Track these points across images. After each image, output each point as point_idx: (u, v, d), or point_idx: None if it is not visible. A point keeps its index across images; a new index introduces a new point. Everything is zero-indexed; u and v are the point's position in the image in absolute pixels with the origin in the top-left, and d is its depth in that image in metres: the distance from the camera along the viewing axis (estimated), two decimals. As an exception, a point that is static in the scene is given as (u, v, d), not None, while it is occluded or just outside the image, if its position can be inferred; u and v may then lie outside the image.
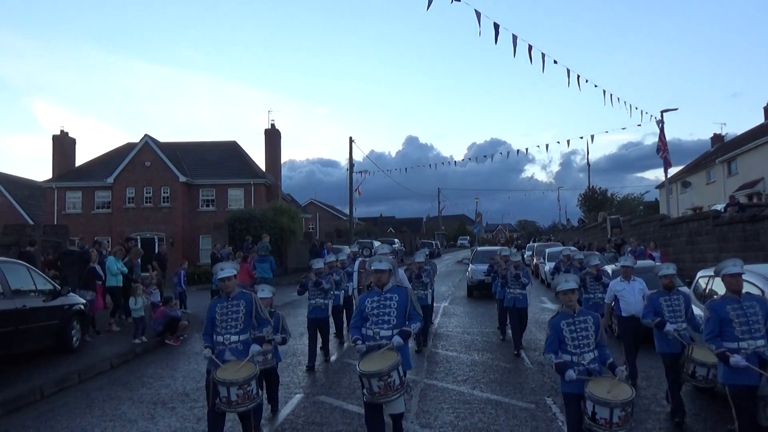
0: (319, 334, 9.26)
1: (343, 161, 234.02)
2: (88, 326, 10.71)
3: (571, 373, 4.51)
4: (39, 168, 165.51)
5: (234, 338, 5.38)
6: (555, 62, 12.39)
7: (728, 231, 13.94)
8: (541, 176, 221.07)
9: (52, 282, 9.90)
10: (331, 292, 9.68)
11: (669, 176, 44.30)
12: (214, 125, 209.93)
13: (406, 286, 5.89)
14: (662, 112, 20.04)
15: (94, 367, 9.06)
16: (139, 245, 19.64)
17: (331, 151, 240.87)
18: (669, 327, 6.14)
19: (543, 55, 11.71)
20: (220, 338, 5.40)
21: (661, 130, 19.10)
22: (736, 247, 13.45)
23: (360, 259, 11.68)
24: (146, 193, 32.34)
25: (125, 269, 11.96)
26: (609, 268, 11.07)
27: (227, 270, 5.49)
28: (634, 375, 7.62)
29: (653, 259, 14.99)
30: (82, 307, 10.26)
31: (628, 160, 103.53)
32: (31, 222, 36.72)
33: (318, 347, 9.27)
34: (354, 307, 8.71)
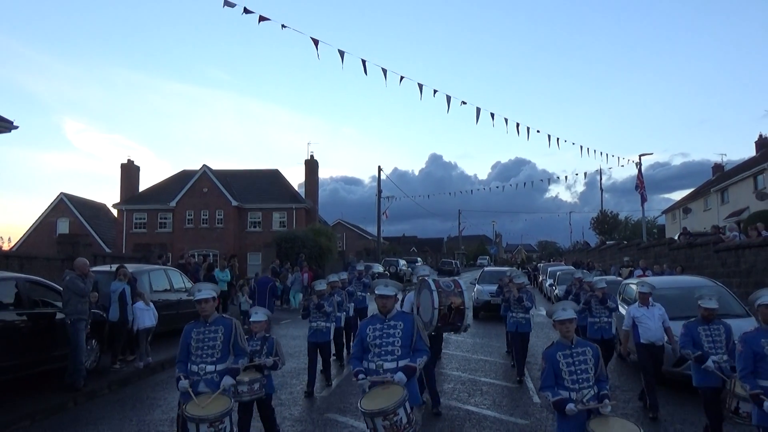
0: (320, 358, 9.03)
1: (367, 179, 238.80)
2: (208, 316, 15.29)
3: (572, 407, 4.16)
4: (71, 184, 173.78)
5: (210, 368, 4.94)
6: (538, 131, 16.66)
7: (677, 254, 18.03)
8: (566, 196, 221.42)
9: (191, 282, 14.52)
10: (333, 315, 9.34)
11: (675, 201, 48.78)
12: (242, 144, 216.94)
13: (410, 313, 5.51)
14: (640, 155, 24.69)
15: (221, 340, 13.58)
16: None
17: (354, 170, 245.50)
18: (710, 362, 5.72)
19: (528, 129, 16.04)
20: (194, 368, 4.96)
21: (639, 170, 23.31)
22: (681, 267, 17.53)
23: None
24: (203, 215, 37.31)
25: (228, 278, 16.63)
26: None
27: (204, 291, 5.06)
28: (655, 407, 7.35)
29: None
30: (206, 301, 14.80)
31: (655, 181, 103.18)
32: (99, 239, 42.16)
33: (318, 370, 9.03)
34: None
